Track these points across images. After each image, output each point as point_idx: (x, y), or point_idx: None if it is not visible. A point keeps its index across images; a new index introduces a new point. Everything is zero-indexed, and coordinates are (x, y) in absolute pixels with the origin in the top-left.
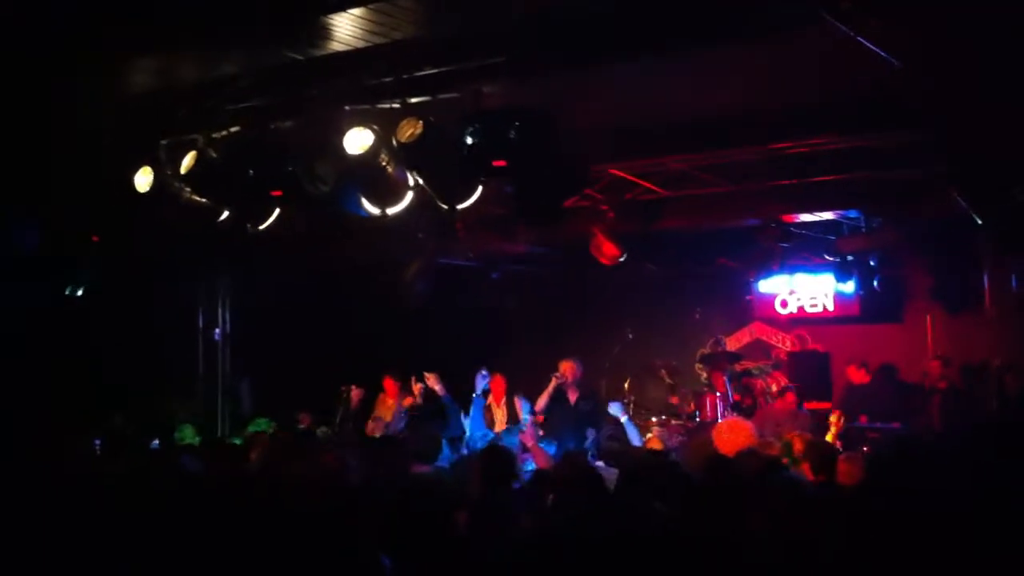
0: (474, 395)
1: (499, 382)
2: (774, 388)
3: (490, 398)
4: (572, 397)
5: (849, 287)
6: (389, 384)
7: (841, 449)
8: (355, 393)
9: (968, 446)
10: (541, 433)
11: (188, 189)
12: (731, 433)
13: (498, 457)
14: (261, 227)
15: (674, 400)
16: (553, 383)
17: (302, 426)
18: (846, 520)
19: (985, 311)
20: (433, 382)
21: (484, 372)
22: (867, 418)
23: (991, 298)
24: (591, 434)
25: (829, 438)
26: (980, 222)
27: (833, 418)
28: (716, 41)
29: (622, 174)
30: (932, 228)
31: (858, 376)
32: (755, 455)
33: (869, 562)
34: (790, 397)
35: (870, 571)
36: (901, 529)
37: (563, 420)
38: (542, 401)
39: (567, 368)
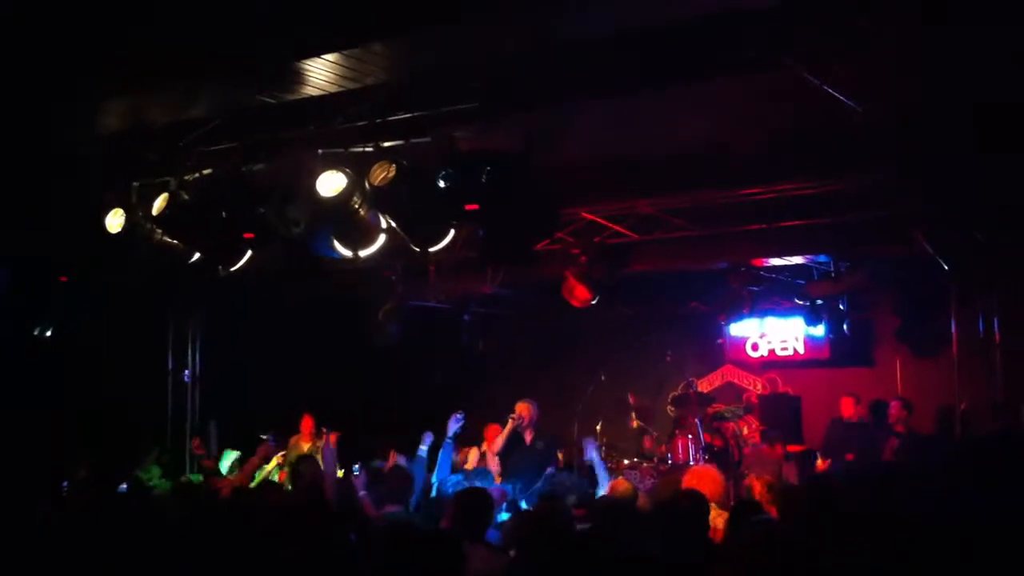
0: (447, 439)
1: (495, 430)
2: (745, 431)
3: (484, 445)
4: (528, 438)
5: (819, 331)
6: (307, 424)
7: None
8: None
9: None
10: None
11: (159, 231)
12: (698, 480)
13: (475, 500)
14: (232, 269)
15: (648, 443)
16: (510, 424)
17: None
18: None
19: (952, 355)
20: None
21: (458, 416)
22: (855, 457)
23: (958, 342)
24: (557, 477)
25: None
26: (946, 267)
27: (820, 463)
28: (682, 82)
29: (594, 217)
30: (900, 272)
31: (849, 411)
32: (693, 496)
33: None
34: (779, 448)
35: None
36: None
37: (520, 460)
38: (499, 442)
39: (523, 409)
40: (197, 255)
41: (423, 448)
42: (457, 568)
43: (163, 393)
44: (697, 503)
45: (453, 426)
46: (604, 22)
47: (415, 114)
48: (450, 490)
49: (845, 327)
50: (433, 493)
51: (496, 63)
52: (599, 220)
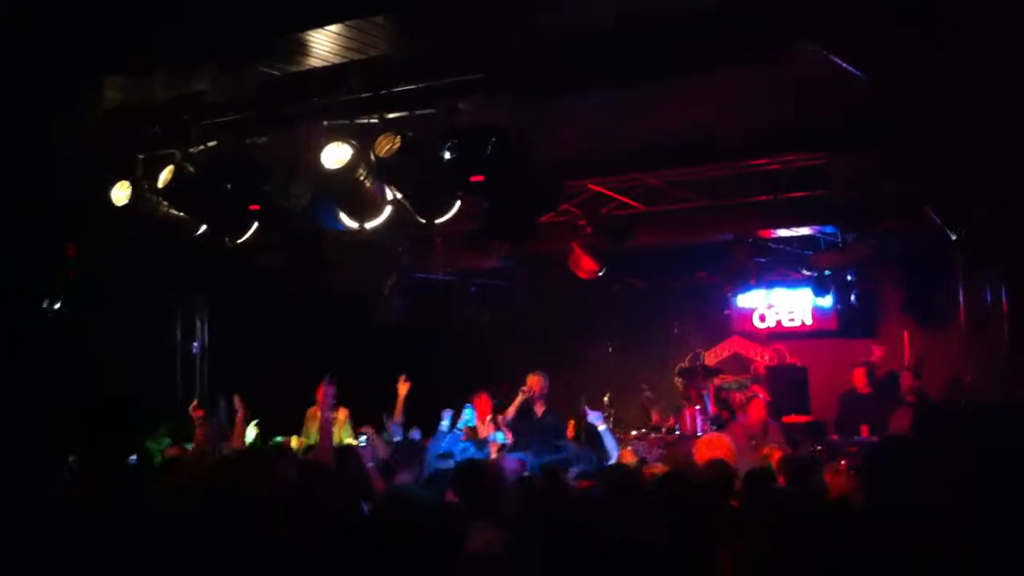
0: (456, 429)
1: (484, 401)
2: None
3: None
4: (539, 410)
5: (826, 302)
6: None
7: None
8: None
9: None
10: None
11: (166, 203)
12: (710, 448)
13: (473, 473)
14: (239, 241)
15: (655, 418)
16: (520, 397)
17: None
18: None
19: (960, 325)
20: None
21: (469, 406)
22: (868, 430)
23: (966, 312)
24: (569, 448)
25: None
26: (954, 238)
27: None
28: (693, 65)
29: (600, 189)
30: (907, 243)
31: (861, 382)
32: (722, 464)
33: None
34: (758, 404)
35: None
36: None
37: (530, 433)
38: (509, 414)
39: (534, 382)
40: (203, 227)
41: (444, 423)
42: (455, 545)
43: (172, 365)
44: (724, 471)
45: (464, 416)
46: (605, 13)
47: (419, 86)
48: (452, 457)
49: (852, 298)
50: (429, 467)
51: (501, 38)
52: (605, 191)
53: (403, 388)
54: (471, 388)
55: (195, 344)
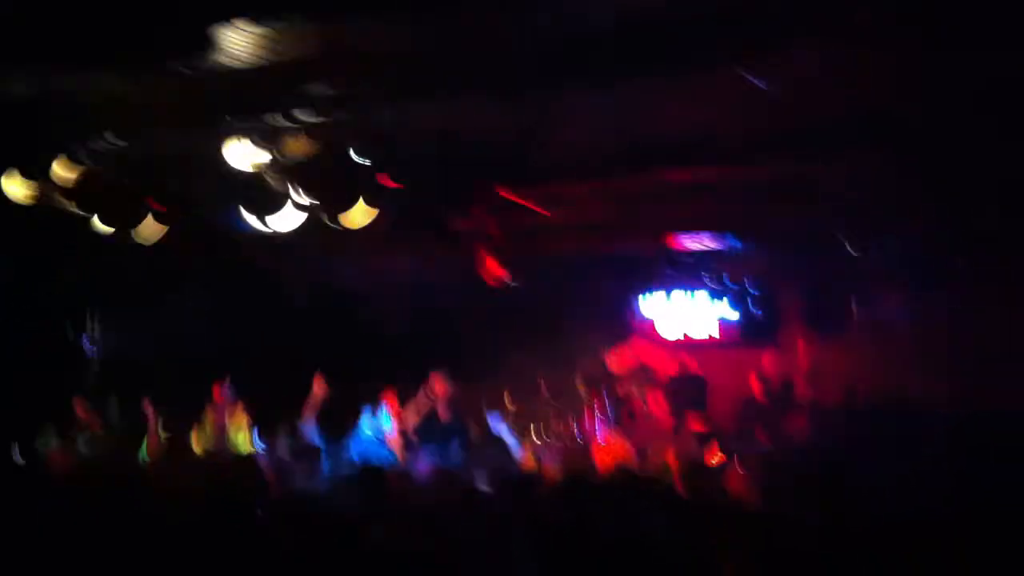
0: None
1: (392, 399)
2: (652, 406)
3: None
4: (442, 412)
5: (728, 311)
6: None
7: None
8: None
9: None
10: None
11: (64, 199)
12: (608, 452)
13: (373, 476)
14: (140, 239)
15: (556, 423)
16: (424, 400)
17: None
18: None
19: (854, 336)
20: None
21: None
22: (762, 434)
23: (859, 324)
24: (454, 447)
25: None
26: (855, 254)
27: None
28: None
29: (511, 196)
30: (805, 255)
31: (758, 390)
32: (626, 470)
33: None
34: (662, 406)
35: None
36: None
37: (434, 434)
38: (413, 416)
39: (438, 384)
40: (102, 224)
41: (364, 422)
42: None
43: (62, 365)
44: (627, 478)
45: (383, 423)
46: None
47: (332, 89)
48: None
49: (751, 306)
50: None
51: (417, 42)
52: (516, 199)
53: (319, 388)
54: (375, 385)
55: (86, 341)
